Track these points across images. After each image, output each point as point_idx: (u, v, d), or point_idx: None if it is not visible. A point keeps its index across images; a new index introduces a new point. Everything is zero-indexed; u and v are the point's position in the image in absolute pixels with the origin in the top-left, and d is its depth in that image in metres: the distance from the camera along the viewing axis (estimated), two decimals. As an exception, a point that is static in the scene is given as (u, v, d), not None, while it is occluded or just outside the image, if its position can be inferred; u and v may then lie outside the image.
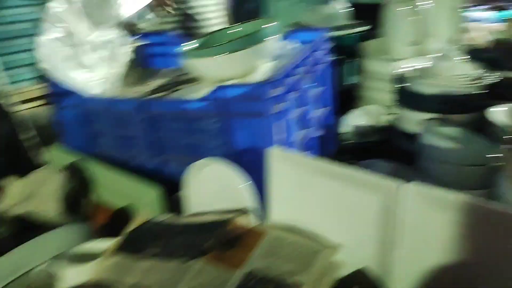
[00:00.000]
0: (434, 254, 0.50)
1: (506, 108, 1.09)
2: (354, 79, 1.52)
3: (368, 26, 1.53)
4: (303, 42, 1.01)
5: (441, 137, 1.04)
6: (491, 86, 1.17)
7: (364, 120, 1.23)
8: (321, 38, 1.02)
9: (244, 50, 0.89)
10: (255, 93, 0.79)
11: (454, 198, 0.51)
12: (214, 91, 0.83)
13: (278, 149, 0.68)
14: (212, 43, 1.01)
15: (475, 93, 1.11)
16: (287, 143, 0.88)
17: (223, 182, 0.73)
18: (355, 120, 1.23)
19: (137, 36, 1.23)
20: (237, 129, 0.83)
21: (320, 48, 1.02)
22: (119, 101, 0.97)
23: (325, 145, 1.09)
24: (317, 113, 1.03)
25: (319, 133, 1.05)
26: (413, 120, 1.13)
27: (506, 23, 1.44)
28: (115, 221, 0.89)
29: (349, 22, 1.59)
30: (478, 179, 0.95)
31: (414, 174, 1.04)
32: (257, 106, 0.80)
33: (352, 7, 1.78)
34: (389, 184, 0.54)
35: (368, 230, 0.55)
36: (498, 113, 1.08)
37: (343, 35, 1.51)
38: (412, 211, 0.51)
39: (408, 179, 1.06)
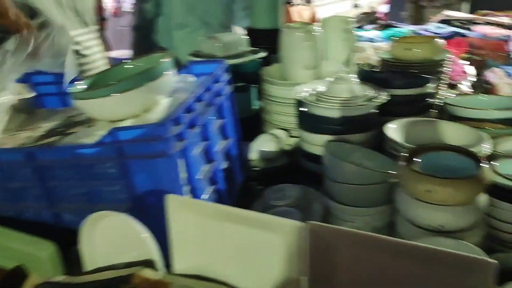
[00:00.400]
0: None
1: (395, 126, 1.17)
2: (258, 105, 1.54)
3: (266, 52, 1.56)
4: (202, 74, 1.00)
5: (341, 157, 1.08)
6: (383, 105, 1.25)
7: (270, 145, 1.24)
8: (220, 69, 1.02)
9: (138, 88, 0.85)
10: (155, 133, 0.76)
11: (354, 234, 0.52)
12: (109, 134, 0.78)
13: (176, 196, 0.65)
14: (105, 81, 0.96)
15: (370, 113, 1.17)
16: (192, 181, 0.85)
17: (122, 232, 0.69)
18: (261, 145, 1.24)
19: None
20: (137, 172, 0.79)
21: (220, 79, 1.01)
22: (2, 151, 0.89)
23: (233, 176, 1.08)
24: (222, 145, 1.02)
25: (225, 165, 1.04)
26: (316, 143, 1.16)
27: (391, 42, 1.54)
28: (5, 286, 0.80)
29: (249, 49, 1.61)
30: (380, 196, 1.00)
31: (321, 195, 1.06)
32: (157, 146, 0.77)
33: (251, 33, 1.82)
34: (291, 223, 0.53)
35: (274, 271, 0.54)
36: (391, 130, 1.14)
37: (243, 62, 1.53)
38: (314, 248, 0.51)
39: (316, 201, 1.10)
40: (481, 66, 2.08)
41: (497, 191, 0.91)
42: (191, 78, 1.00)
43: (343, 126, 1.15)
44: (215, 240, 0.59)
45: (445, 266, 0.54)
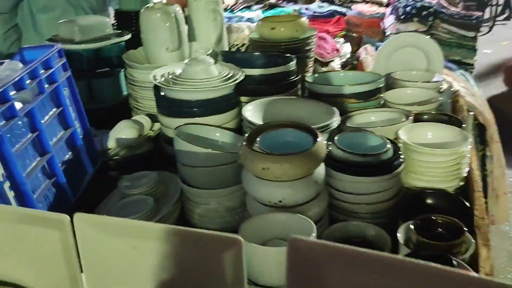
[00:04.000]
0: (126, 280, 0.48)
1: (252, 106, 1.17)
2: (123, 91, 1.47)
3: (130, 35, 1.49)
4: (30, 61, 0.92)
5: (197, 140, 1.06)
6: (244, 85, 1.24)
7: (130, 132, 1.19)
8: (53, 54, 0.94)
9: None
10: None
11: (125, 223, 0.49)
12: None
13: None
14: None
15: (226, 94, 1.15)
16: (15, 177, 0.78)
17: None
18: (120, 133, 1.18)
19: None
20: None
21: (52, 65, 0.93)
22: None
23: (80, 168, 1.02)
24: (61, 135, 0.95)
25: (67, 156, 0.97)
26: (173, 127, 1.12)
27: (258, 22, 1.54)
28: None
29: (114, 32, 1.53)
30: (231, 176, 0.99)
31: (177, 180, 1.04)
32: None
33: (119, 16, 1.73)
34: (61, 217, 0.49)
35: (56, 267, 0.51)
36: (248, 110, 1.14)
37: (107, 46, 1.45)
38: (88, 240, 0.48)
39: (173, 186, 1.07)
40: (358, 43, 2.17)
41: (335, 163, 0.94)
42: (19, 65, 0.91)
43: (199, 109, 1.12)
44: (3, 242, 0.54)
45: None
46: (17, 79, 0.81)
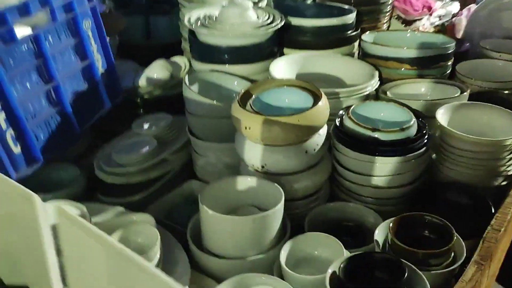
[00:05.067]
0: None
1: (283, 61, 1.06)
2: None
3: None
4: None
5: (204, 88, 1.00)
6: (288, 35, 1.13)
7: (162, 72, 1.17)
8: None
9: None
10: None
11: None
12: None
13: None
14: None
15: (258, 42, 1.06)
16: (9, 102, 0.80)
17: None
18: (153, 72, 1.17)
19: None
20: None
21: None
22: None
23: (94, 100, 1.02)
24: (76, 66, 0.96)
25: (81, 87, 0.98)
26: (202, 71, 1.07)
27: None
28: None
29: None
30: (231, 132, 0.92)
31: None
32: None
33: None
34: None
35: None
36: (277, 64, 1.04)
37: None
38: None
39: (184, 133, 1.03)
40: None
41: (341, 135, 0.81)
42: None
43: (227, 55, 1.05)
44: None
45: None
46: (22, 3, 0.81)
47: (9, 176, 0.82)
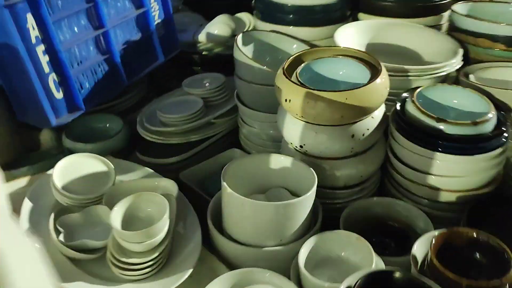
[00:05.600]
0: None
1: (353, 28, 0.93)
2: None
3: None
4: None
5: (256, 51, 0.91)
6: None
7: (223, 29, 1.10)
8: None
9: None
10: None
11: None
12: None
13: None
14: None
15: (326, 3, 0.94)
16: (54, 45, 0.78)
17: None
18: (213, 28, 1.10)
19: None
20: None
21: None
22: None
23: (147, 52, 0.98)
24: (129, 13, 0.91)
25: (134, 36, 0.94)
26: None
27: None
28: None
29: None
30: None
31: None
32: None
33: None
34: None
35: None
36: (344, 32, 0.91)
37: None
38: None
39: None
40: None
41: (400, 122, 0.69)
42: None
43: (292, 16, 0.95)
44: None
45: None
46: None
47: (48, 120, 0.83)
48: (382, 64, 0.68)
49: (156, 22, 0.98)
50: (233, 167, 0.67)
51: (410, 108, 0.68)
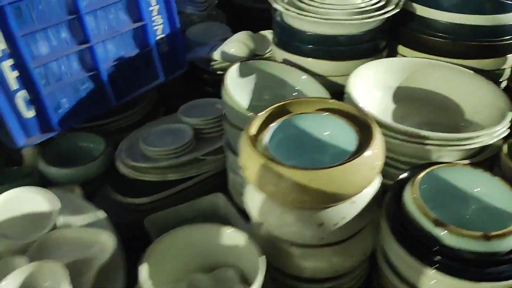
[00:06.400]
0: None
1: (383, 66, 0.75)
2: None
3: None
4: None
5: (258, 85, 0.76)
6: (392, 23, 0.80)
7: (240, 48, 0.96)
8: None
9: None
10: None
11: None
12: None
13: None
14: None
15: (353, 34, 0.76)
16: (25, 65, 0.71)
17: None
18: (229, 46, 0.97)
19: None
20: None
21: None
22: None
23: (147, 70, 0.88)
24: (124, 27, 0.81)
25: (131, 53, 0.84)
26: (280, 59, 0.83)
27: None
28: None
29: None
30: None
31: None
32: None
33: None
34: None
35: None
36: (367, 69, 0.74)
37: None
38: None
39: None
40: None
41: (392, 218, 0.52)
42: None
43: (309, 46, 0.79)
44: None
45: None
46: None
47: (14, 141, 0.76)
48: (377, 129, 0.51)
49: (158, 37, 0.87)
50: (168, 241, 0.54)
51: (407, 198, 0.51)
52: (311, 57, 0.79)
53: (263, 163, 0.49)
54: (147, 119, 0.93)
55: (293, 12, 0.77)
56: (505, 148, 0.65)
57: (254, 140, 0.53)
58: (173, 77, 0.92)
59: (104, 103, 0.83)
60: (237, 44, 0.96)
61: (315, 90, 0.76)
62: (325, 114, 0.55)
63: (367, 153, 0.48)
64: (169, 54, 0.90)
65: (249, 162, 0.50)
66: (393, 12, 0.77)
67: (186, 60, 0.94)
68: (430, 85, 0.76)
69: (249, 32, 0.98)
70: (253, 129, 0.54)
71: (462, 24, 0.77)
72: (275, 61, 0.81)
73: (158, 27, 0.87)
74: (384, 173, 0.56)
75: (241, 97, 0.74)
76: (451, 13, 0.77)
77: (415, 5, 0.80)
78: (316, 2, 0.78)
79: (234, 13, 1.25)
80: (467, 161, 0.62)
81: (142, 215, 0.72)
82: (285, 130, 0.55)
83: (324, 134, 0.56)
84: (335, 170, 0.47)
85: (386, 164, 0.62)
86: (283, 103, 0.58)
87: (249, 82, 0.77)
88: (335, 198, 0.49)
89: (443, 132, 0.59)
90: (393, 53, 0.84)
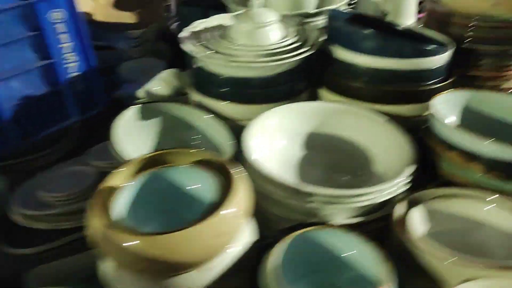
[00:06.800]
0: None
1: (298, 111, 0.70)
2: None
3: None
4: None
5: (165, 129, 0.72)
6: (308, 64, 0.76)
7: (164, 86, 0.92)
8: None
9: None
10: None
11: None
12: None
13: None
14: None
15: (265, 76, 0.72)
16: None
17: None
18: (153, 84, 0.93)
19: None
20: None
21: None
22: None
23: (57, 110, 0.84)
24: (30, 65, 0.78)
25: (39, 92, 0.80)
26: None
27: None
28: None
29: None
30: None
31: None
32: None
33: None
34: None
35: None
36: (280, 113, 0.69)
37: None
38: None
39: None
40: None
41: None
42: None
43: (225, 89, 0.75)
44: None
45: None
46: None
47: None
48: (238, 185, 0.46)
49: (72, 75, 0.83)
50: None
51: (268, 266, 0.45)
52: (225, 100, 0.75)
53: (104, 224, 0.44)
54: (67, 158, 0.88)
55: (202, 54, 0.73)
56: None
57: (107, 197, 0.48)
58: (88, 116, 0.88)
59: (6, 142, 0.79)
60: (161, 82, 0.92)
61: (220, 134, 0.72)
62: (192, 166, 0.50)
63: (213, 218, 0.43)
64: (84, 92, 0.86)
65: (91, 220, 0.45)
66: (305, 54, 0.73)
67: (106, 98, 0.90)
68: (341, 130, 0.71)
69: (176, 70, 0.94)
70: (108, 185, 0.49)
71: (382, 68, 0.73)
72: (182, 103, 0.77)
73: (71, 64, 0.83)
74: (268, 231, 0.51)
75: (140, 140, 0.70)
76: (370, 56, 0.73)
77: (335, 48, 0.76)
78: (228, 43, 0.75)
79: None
80: (360, 219, 0.56)
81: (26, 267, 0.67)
82: (148, 184, 0.51)
83: (191, 188, 0.51)
84: (172, 236, 0.42)
85: (271, 221, 0.57)
86: (151, 154, 0.53)
87: (152, 125, 0.73)
88: (179, 267, 0.43)
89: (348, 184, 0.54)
90: (315, 97, 0.80)
